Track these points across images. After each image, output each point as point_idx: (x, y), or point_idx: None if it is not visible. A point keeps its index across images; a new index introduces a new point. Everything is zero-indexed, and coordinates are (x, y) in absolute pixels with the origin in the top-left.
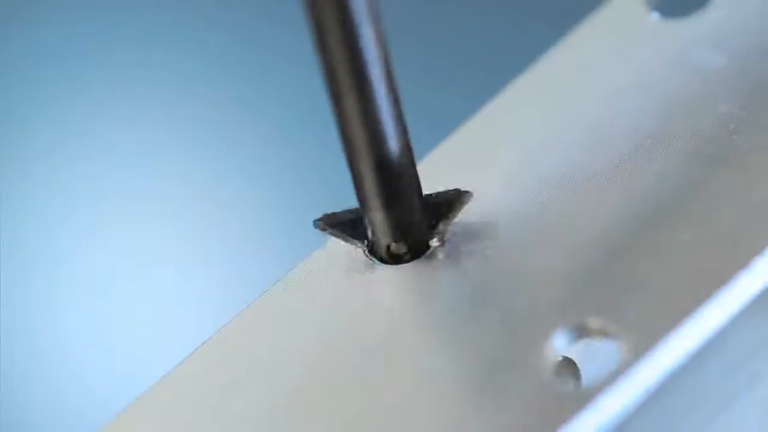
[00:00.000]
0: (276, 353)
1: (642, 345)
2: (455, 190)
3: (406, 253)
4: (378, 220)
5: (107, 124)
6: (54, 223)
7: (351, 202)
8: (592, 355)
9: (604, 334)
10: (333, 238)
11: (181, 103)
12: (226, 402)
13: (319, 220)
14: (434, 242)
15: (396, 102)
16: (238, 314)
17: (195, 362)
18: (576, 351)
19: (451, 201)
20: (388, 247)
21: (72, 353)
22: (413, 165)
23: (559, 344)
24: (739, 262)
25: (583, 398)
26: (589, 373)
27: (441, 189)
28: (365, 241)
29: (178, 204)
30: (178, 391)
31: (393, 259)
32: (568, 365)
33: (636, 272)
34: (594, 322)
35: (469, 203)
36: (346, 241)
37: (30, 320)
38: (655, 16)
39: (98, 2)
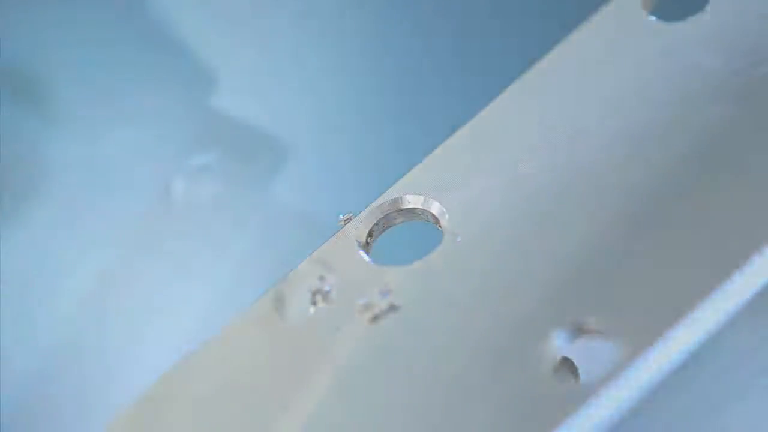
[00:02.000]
0: (277, 354)
1: (640, 344)
2: None
3: None
4: None
5: (107, 124)
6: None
7: (351, 203)
8: (590, 354)
9: (602, 333)
10: (331, 240)
11: (181, 102)
12: (225, 401)
13: None
14: None
15: None
16: (239, 314)
17: (195, 362)
18: (574, 350)
19: None
20: None
21: (72, 353)
22: None
23: (558, 343)
24: (736, 261)
25: (581, 397)
26: (587, 371)
27: (441, 189)
28: None
29: (178, 204)
30: (178, 391)
31: None
32: (567, 364)
33: (634, 271)
34: (592, 322)
35: (470, 203)
36: None
37: (29, 320)
38: (652, 18)
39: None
